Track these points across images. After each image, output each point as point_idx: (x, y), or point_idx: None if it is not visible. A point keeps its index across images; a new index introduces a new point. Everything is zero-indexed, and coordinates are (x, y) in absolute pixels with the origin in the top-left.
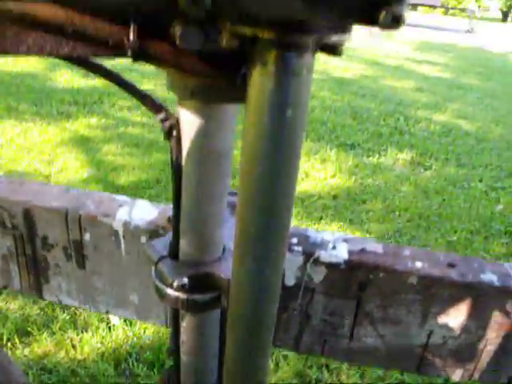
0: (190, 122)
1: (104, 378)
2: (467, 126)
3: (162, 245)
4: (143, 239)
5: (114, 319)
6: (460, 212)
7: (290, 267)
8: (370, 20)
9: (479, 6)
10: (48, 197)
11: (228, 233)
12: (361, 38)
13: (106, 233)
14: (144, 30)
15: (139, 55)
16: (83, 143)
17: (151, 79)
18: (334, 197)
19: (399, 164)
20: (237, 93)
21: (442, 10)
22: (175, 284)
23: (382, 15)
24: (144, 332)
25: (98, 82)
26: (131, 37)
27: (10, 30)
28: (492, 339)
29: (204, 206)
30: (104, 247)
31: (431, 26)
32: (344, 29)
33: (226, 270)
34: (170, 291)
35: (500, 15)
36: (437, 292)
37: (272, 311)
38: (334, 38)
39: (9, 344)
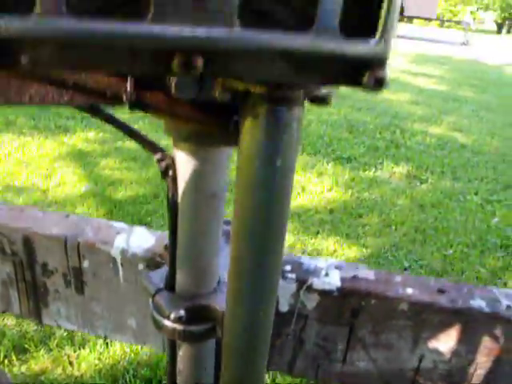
0: (184, 163)
1: None
2: (463, 138)
3: (158, 277)
4: (141, 266)
5: None
6: (456, 225)
7: (284, 294)
8: (354, 81)
9: (474, 19)
10: (48, 224)
11: (223, 261)
12: None
13: (105, 260)
14: (140, 81)
15: (136, 105)
16: (81, 157)
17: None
18: (331, 211)
19: (395, 177)
20: (230, 137)
21: (438, 22)
22: (172, 316)
23: (365, 78)
24: (141, 348)
25: None
26: (128, 88)
27: (13, 81)
28: (482, 363)
29: (199, 242)
30: (102, 274)
31: (427, 38)
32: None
33: (220, 301)
34: (167, 323)
35: (495, 27)
36: (427, 318)
37: (265, 338)
38: (323, 91)
39: (6, 361)
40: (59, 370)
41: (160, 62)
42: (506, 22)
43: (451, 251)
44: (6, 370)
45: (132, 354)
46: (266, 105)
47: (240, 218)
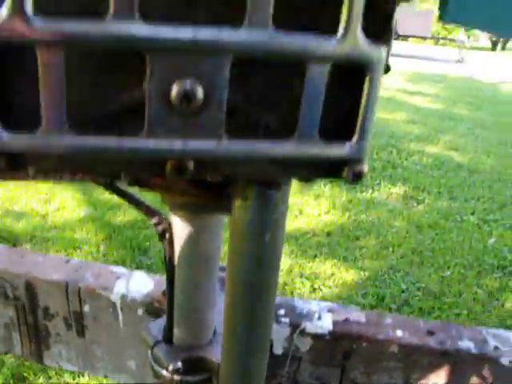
0: (181, 229)
1: None
2: (459, 157)
3: (157, 328)
4: (140, 312)
5: None
6: (453, 246)
7: (278, 338)
8: (335, 175)
9: (469, 36)
10: (48, 269)
11: (219, 307)
12: None
13: (105, 305)
14: None
15: (133, 183)
16: (80, 181)
17: None
18: (328, 234)
19: (392, 198)
20: (223, 206)
21: (433, 40)
22: (170, 368)
23: (345, 173)
24: None
25: None
26: None
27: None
28: None
29: (195, 299)
30: (103, 318)
31: (422, 56)
32: None
33: (216, 353)
34: (165, 373)
35: (489, 44)
36: (417, 359)
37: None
38: None
39: None
40: None
41: (154, 167)
42: (501, 39)
43: (449, 272)
44: None
45: None
46: (256, 187)
47: (234, 267)
